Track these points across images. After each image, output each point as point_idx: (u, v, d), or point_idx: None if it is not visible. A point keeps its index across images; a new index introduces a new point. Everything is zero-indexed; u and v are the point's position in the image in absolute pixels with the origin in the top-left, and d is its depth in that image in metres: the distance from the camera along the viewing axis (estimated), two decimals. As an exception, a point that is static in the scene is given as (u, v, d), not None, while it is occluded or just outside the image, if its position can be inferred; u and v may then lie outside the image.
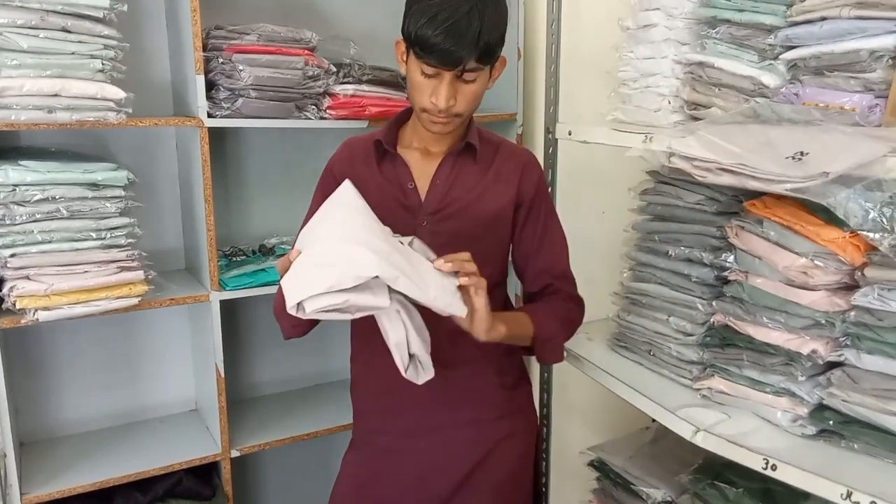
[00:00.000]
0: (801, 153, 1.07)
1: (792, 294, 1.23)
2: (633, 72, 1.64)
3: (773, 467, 1.17)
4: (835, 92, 1.24)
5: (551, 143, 1.80)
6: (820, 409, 1.24)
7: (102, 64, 1.65)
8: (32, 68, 1.57)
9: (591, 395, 2.06)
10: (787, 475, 1.16)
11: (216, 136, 2.04)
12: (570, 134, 1.67)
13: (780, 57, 1.33)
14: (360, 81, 2.03)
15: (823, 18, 1.24)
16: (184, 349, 2.24)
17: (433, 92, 1.21)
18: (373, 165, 1.36)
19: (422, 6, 1.19)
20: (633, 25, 1.63)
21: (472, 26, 1.16)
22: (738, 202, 1.38)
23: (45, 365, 2.06)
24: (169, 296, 1.88)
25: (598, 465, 1.79)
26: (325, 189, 1.31)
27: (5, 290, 1.63)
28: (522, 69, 2.28)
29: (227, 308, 1.97)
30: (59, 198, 1.65)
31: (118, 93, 1.66)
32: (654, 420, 1.43)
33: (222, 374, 1.96)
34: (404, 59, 1.28)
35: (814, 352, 1.21)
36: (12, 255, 1.62)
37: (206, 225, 1.87)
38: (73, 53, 1.61)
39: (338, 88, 2.00)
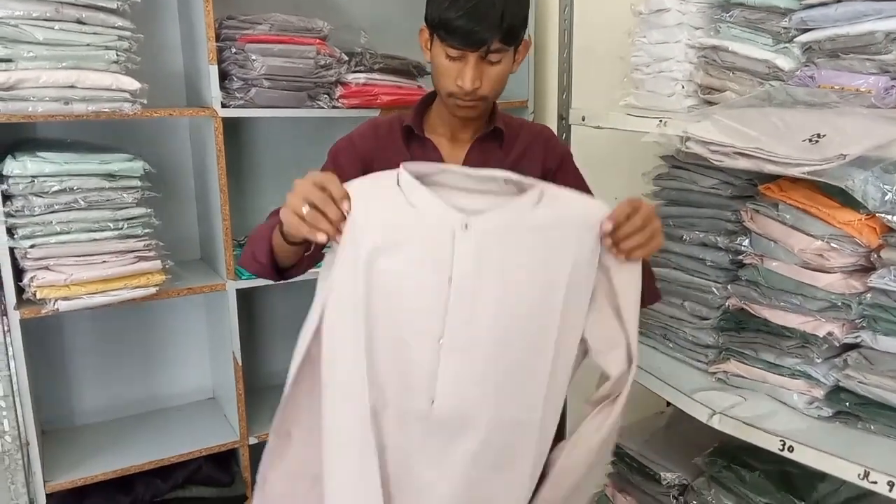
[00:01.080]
0: (818, 136, 1.07)
1: (808, 277, 1.24)
2: (646, 57, 1.64)
3: (790, 449, 1.18)
4: (850, 74, 1.24)
5: (565, 129, 1.80)
6: (836, 391, 1.25)
7: (117, 55, 1.66)
8: (48, 60, 1.58)
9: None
10: (804, 456, 1.17)
11: (230, 125, 2.04)
12: (583, 119, 1.68)
13: (795, 40, 1.32)
14: (371, 70, 2.03)
15: (838, 0, 1.24)
16: (201, 338, 2.26)
17: (458, 75, 1.21)
18: (401, 148, 1.35)
19: None
20: (645, 10, 1.63)
21: (496, 7, 1.16)
22: (752, 186, 1.38)
23: (65, 354, 2.09)
24: (186, 285, 1.90)
25: (614, 450, 1.80)
26: (342, 159, 1.30)
27: (26, 281, 1.65)
28: (533, 55, 2.28)
29: (244, 296, 1.99)
30: (77, 189, 1.66)
31: (133, 84, 1.67)
32: (668, 404, 1.44)
33: (239, 363, 1.98)
34: (428, 45, 1.28)
35: (830, 334, 1.22)
36: (32, 246, 1.63)
37: (221, 214, 1.89)
38: (88, 45, 1.62)
39: (349, 77, 2.01)
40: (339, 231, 1.01)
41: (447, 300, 1.01)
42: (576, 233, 1.03)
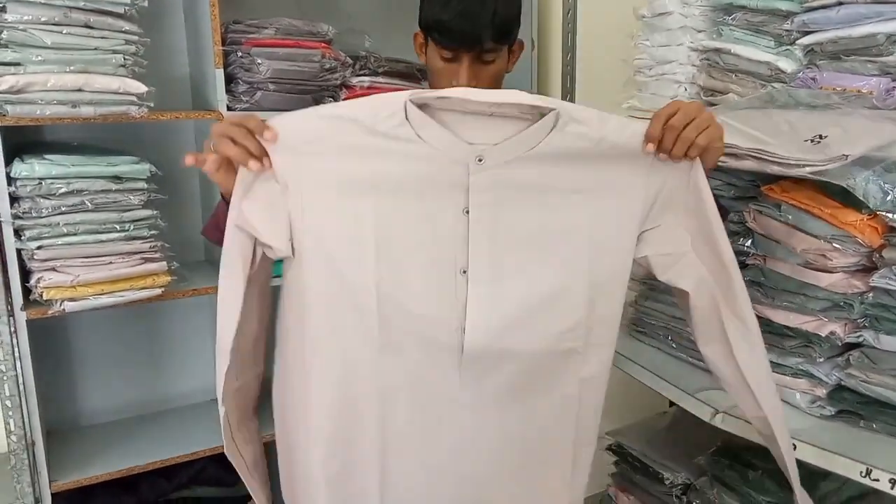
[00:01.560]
0: (820, 136, 1.08)
1: (810, 277, 1.25)
2: (649, 59, 1.66)
3: (793, 447, 1.19)
4: (852, 76, 1.25)
5: (567, 132, 1.81)
6: (839, 390, 1.25)
7: (124, 59, 1.67)
8: (56, 64, 1.59)
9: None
10: (807, 455, 1.18)
11: (235, 128, 2.06)
12: (586, 122, 1.69)
13: (797, 42, 1.34)
14: (376, 73, 2.04)
15: (840, 3, 1.25)
16: (205, 339, 2.27)
17: (454, 76, 1.23)
18: None
19: None
20: (648, 14, 1.65)
21: (487, 6, 1.18)
22: (755, 187, 1.39)
23: (70, 355, 2.10)
24: (191, 286, 1.91)
25: (617, 450, 1.81)
26: None
27: (32, 282, 1.66)
28: (537, 59, 2.29)
29: (248, 298, 2.00)
30: (84, 191, 1.67)
31: (140, 87, 1.68)
32: (671, 404, 1.45)
33: (244, 364, 1.98)
34: (423, 49, 1.29)
35: (832, 333, 1.23)
36: (39, 248, 1.64)
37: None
38: (95, 49, 1.64)
39: (354, 80, 2.02)
40: (263, 161, 0.98)
41: (466, 232, 1.00)
42: (599, 152, 1.00)
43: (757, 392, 1.09)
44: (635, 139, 1.00)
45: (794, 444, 1.18)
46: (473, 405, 1.05)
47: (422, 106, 0.97)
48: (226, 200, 1.10)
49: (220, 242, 1.21)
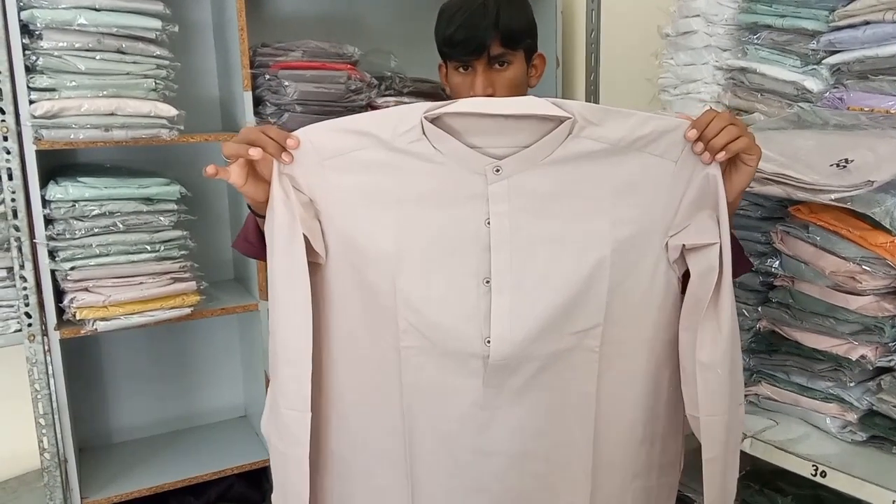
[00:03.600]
0: (846, 161, 1.06)
1: (839, 299, 1.23)
2: (674, 78, 1.65)
3: (823, 474, 1.17)
4: (880, 96, 1.24)
5: (592, 151, 1.80)
6: (870, 415, 1.23)
7: (155, 83, 1.71)
8: (90, 89, 1.64)
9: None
10: (837, 482, 1.16)
11: (262, 149, 2.09)
12: (611, 142, 1.68)
13: (824, 62, 1.33)
14: (401, 93, 2.06)
15: (867, 23, 1.24)
16: (233, 357, 2.30)
17: (470, 86, 1.25)
18: None
19: (443, 16, 1.30)
20: (672, 32, 1.64)
21: (489, 13, 1.24)
22: (782, 207, 1.37)
23: (102, 373, 2.13)
24: (220, 305, 1.93)
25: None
26: None
27: (66, 302, 1.70)
28: (561, 77, 2.29)
29: (275, 317, 2.02)
30: (116, 212, 1.71)
31: (170, 110, 1.72)
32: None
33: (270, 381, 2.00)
34: (446, 78, 1.32)
35: (863, 357, 1.21)
36: (72, 269, 1.68)
37: (255, 236, 1.92)
38: (127, 74, 1.68)
39: (380, 101, 2.04)
40: (281, 155, 0.98)
41: (488, 242, 1.00)
42: (619, 152, 0.99)
43: (700, 394, 1.05)
44: (659, 132, 0.98)
45: (816, 466, 1.16)
46: (494, 405, 1.06)
47: (437, 118, 0.98)
48: (253, 211, 1.12)
49: (248, 254, 1.25)
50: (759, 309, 1.39)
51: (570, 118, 0.96)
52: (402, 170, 0.99)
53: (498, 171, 0.98)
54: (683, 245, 1.03)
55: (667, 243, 1.04)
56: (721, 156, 0.97)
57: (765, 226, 1.40)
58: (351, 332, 1.07)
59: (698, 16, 1.56)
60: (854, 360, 1.21)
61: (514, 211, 0.99)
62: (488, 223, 1.00)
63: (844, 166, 1.06)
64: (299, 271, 1.00)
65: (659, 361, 1.10)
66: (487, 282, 1.01)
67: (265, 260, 1.07)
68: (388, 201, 1.00)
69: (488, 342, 1.01)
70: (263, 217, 1.07)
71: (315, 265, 1.05)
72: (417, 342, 1.04)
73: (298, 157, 1.00)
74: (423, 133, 0.98)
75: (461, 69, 1.27)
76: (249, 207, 1.12)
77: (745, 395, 1.40)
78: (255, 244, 1.19)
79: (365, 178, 1.00)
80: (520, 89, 1.29)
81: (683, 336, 1.08)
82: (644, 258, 1.04)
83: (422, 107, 0.97)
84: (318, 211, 1.03)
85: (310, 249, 1.01)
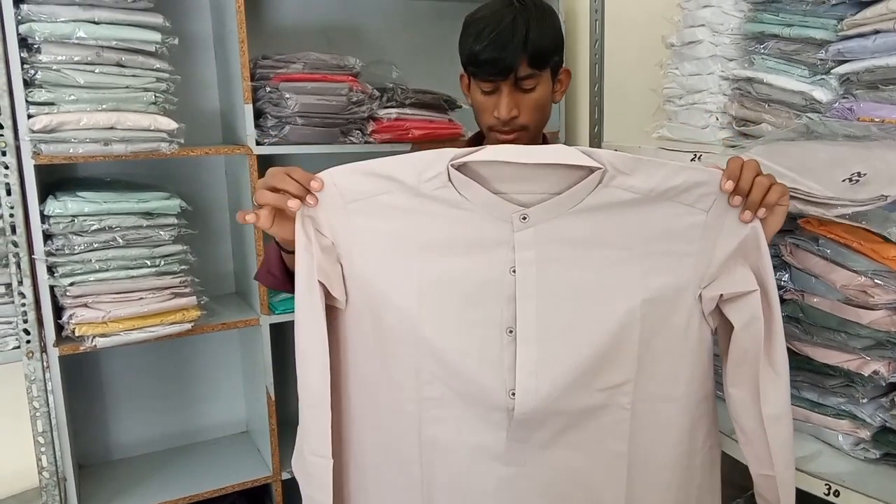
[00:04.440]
0: (859, 174, 1.04)
1: (851, 313, 1.20)
2: (679, 88, 1.63)
3: (836, 493, 1.14)
4: (891, 106, 1.21)
5: (596, 162, 1.79)
6: (883, 432, 1.20)
7: (155, 96, 1.70)
8: (89, 103, 1.62)
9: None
10: (851, 501, 1.13)
11: (264, 162, 2.07)
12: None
13: (832, 71, 1.30)
14: (403, 105, 2.05)
15: (876, 32, 1.21)
16: (235, 372, 2.28)
17: (495, 107, 1.22)
18: None
19: (470, 30, 1.23)
20: (677, 42, 1.62)
21: (518, 32, 1.18)
22: (792, 219, 1.35)
23: (101, 390, 2.11)
24: (221, 320, 1.92)
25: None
26: None
27: (65, 318, 1.68)
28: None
29: (277, 331, 2.00)
30: (116, 227, 1.70)
31: (170, 124, 1.71)
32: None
33: (272, 397, 1.98)
34: (468, 90, 1.29)
35: (875, 373, 1.18)
36: (72, 284, 1.66)
37: (256, 250, 1.91)
38: (127, 87, 1.67)
39: (381, 112, 2.02)
40: (306, 198, 0.98)
41: (513, 291, 0.97)
42: (650, 202, 0.96)
43: (773, 448, 1.03)
44: (692, 183, 0.96)
45: (829, 486, 1.13)
46: (518, 461, 1.02)
47: (463, 164, 0.96)
48: (282, 248, 1.11)
49: (273, 286, 1.24)
50: (769, 323, 1.37)
51: (600, 168, 0.94)
52: (426, 215, 0.98)
53: (525, 218, 0.96)
54: (721, 295, 1.00)
55: (700, 295, 1.01)
56: (762, 212, 0.96)
57: (773, 238, 1.37)
58: (371, 380, 1.05)
59: (703, 25, 1.54)
60: (866, 375, 1.18)
61: (541, 259, 0.97)
62: (513, 271, 0.98)
63: (857, 180, 1.04)
64: (316, 319, 1.00)
65: (693, 420, 1.06)
66: (511, 332, 0.98)
67: (291, 292, 1.07)
68: (411, 247, 0.99)
69: (513, 394, 0.98)
70: (290, 252, 1.06)
71: (336, 309, 1.04)
72: (439, 393, 1.01)
73: (322, 199, 0.99)
74: (449, 179, 0.96)
75: (484, 87, 1.23)
76: (275, 241, 1.11)
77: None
78: (278, 277, 1.19)
79: (389, 222, 0.99)
80: (545, 109, 1.27)
81: (734, 393, 1.05)
82: (676, 310, 1.01)
83: (448, 153, 0.96)
84: (339, 254, 1.01)
85: (329, 294, 1.01)
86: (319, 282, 0.99)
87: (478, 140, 1.37)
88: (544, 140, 1.34)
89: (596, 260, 0.98)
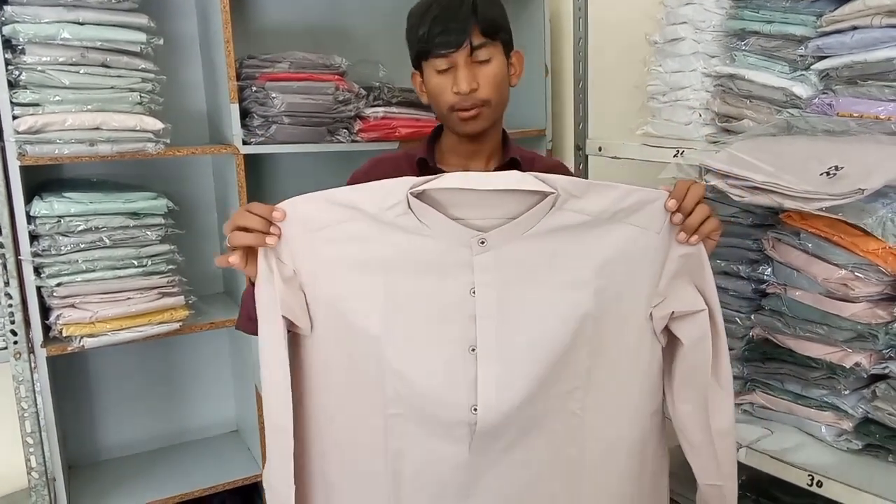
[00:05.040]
0: (836, 168, 1.06)
1: (832, 306, 1.22)
2: (662, 85, 1.65)
3: (819, 484, 1.16)
4: (869, 101, 1.23)
5: (582, 160, 1.80)
6: (865, 423, 1.22)
7: (141, 97, 1.69)
8: (74, 103, 1.62)
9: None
10: (833, 491, 1.15)
11: (251, 161, 2.08)
12: (600, 150, 1.68)
13: (812, 67, 1.32)
14: (389, 104, 2.05)
15: (854, 28, 1.23)
16: (224, 371, 2.28)
17: (453, 83, 1.22)
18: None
19: (414, 16, 1.25)
20: (660, 40, 1.64)
21: (465, 3, 1.20)
22: (773, 214, 1.37)
23: (90, 390, 2.11)
24: (209, 320, 1.92)
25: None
26: None
27: (52, 319, 1.68)
28: (550, 85, 2.29)
29: (265, 330, 2.00)
30: (102, 227, 1.69)
31: (156, 124, 1.71)
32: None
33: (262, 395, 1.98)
34: (423, 87, 1.29)
35: (857, 364, 1.19)
36: (58, 285, 1.66)
37: (244, 249, 1.91)
38: (112, 88, 1.66)
39: (368, 111, 2.03)
40: (272, 235, 1.00)
41: (474, 311, 1.00)
42: (602, 223, 1.00)
43: (721, 459, 1.09)
44: (641, 203, 1.01)
45: (812, 476, 1.16)
46: (479, 467, 1.05)
47: (423, 192, 0.99)
48: (253, 285, 1.11)
49: (255, 333, 1.21)
50: (752, 317, 1.38)
51: (553, 192, 0.97)
52: (388, 243, 1.00)
53: (483, 242, 0.99)
54: (672, 312, 1.04)
55: (651, 313, 1.05)
56: (694, 239, 1.01)
57: (756, 233, 1.39)
58: (338, 400, 1.07)
59: (686, 23, 1.56)
60: (848, 367, 1.20)
61: (499, 281, 1.00)
62: (473, 293, 1.00)
63: (834, 174, 1.05)
64: (278, 351, 1.02)
65: (644, 431, 1.11)
66: (473, 350, 1.01)
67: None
68: (374, 271, 1.01)
69: (475, 410, 1.01)
70: None
71: (300, 336, 1.07)
72: (404, 409, 1.03)
73: (284, 229, 1.01)
74: (409, 207, 0.99)
75: (439, 65, 1.23)
76: (249, 281, 1.11)
77: (740, 405, 1.40)
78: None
79: (351, 248, 1.01)
80: (502, 87, 1.26)
81: (682, 408, 1.10)
82: (627, 326, 1.05)
83: (408, 181, 0.98)
84: (302, 283, 1.03)
85: (292, 323, 1.03)
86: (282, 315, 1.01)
87: (437, 134, 1.37)
88: (504, 136, 1.35)
89: (551, 280, 1.01)
